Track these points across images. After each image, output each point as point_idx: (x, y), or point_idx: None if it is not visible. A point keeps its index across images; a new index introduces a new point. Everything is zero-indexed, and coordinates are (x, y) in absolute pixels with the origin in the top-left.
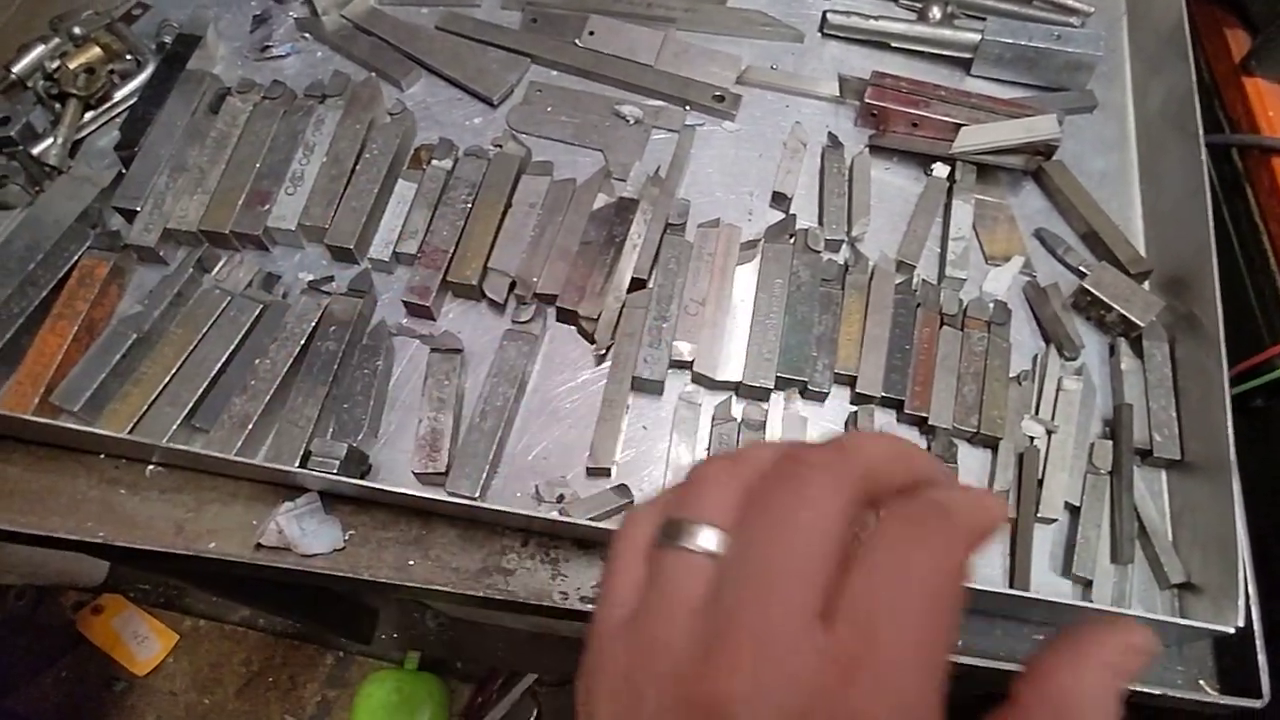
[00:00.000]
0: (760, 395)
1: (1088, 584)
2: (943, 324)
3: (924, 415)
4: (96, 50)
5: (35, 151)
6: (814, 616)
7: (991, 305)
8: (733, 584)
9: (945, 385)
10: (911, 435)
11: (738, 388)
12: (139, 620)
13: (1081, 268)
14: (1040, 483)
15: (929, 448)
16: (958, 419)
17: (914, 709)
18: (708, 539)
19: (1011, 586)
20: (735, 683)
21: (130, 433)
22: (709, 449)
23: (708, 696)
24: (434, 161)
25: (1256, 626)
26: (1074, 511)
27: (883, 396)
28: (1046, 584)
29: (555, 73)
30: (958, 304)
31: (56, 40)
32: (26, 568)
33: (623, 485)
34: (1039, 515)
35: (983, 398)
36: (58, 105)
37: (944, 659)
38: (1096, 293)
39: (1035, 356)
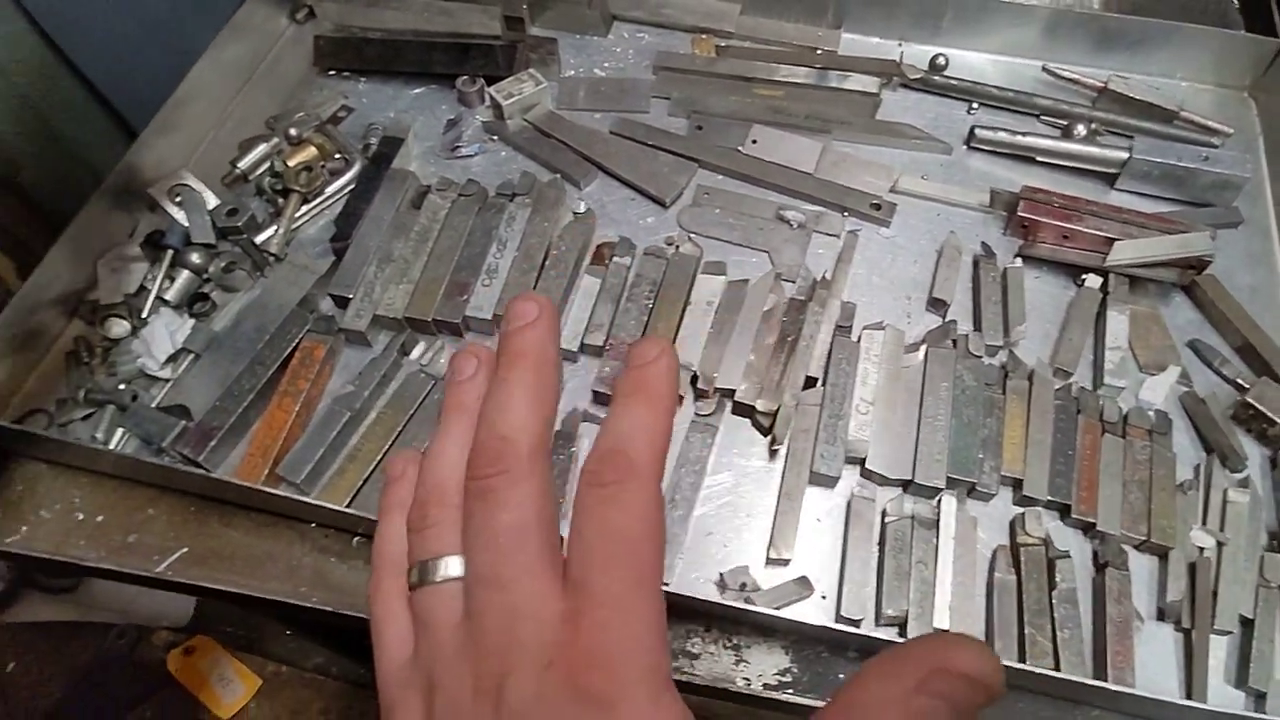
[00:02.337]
0: (928, 493)
1: (1261, 696)
2: (1104, 431)
3: (1091, 520)
4: (312, 150)
5: (258, 240)
6: (545, 595)
7: (1152, 414)
8: (478, 593)
9: (1111, 491)
10: (1078, 539)
11: (906, 485)
12: (226, 663)
13: (1239, 380)
14: (1214, 594)
15: (1094, 554)
16: (1125, 526)
17: (634, 637)
18: (450, 567)
19: (1188, 698)
20: (493, 665)
21: (349, 505)
22: (882, 543)
23: (489, 679)
24: (615, 258)
25: None
26: (1247, 623)
27: (1048, 500)
28: (1218, 693)
29: (721, 177)
30: (1118, 412)
31: (275, 139)
32: (119, 604)
33: (804, 578)
34: (1214, 627)
35: (1150, 506)
36: (280, 199)
37: (654, 577)
38: (1260, 407)
39: (1197, 466)
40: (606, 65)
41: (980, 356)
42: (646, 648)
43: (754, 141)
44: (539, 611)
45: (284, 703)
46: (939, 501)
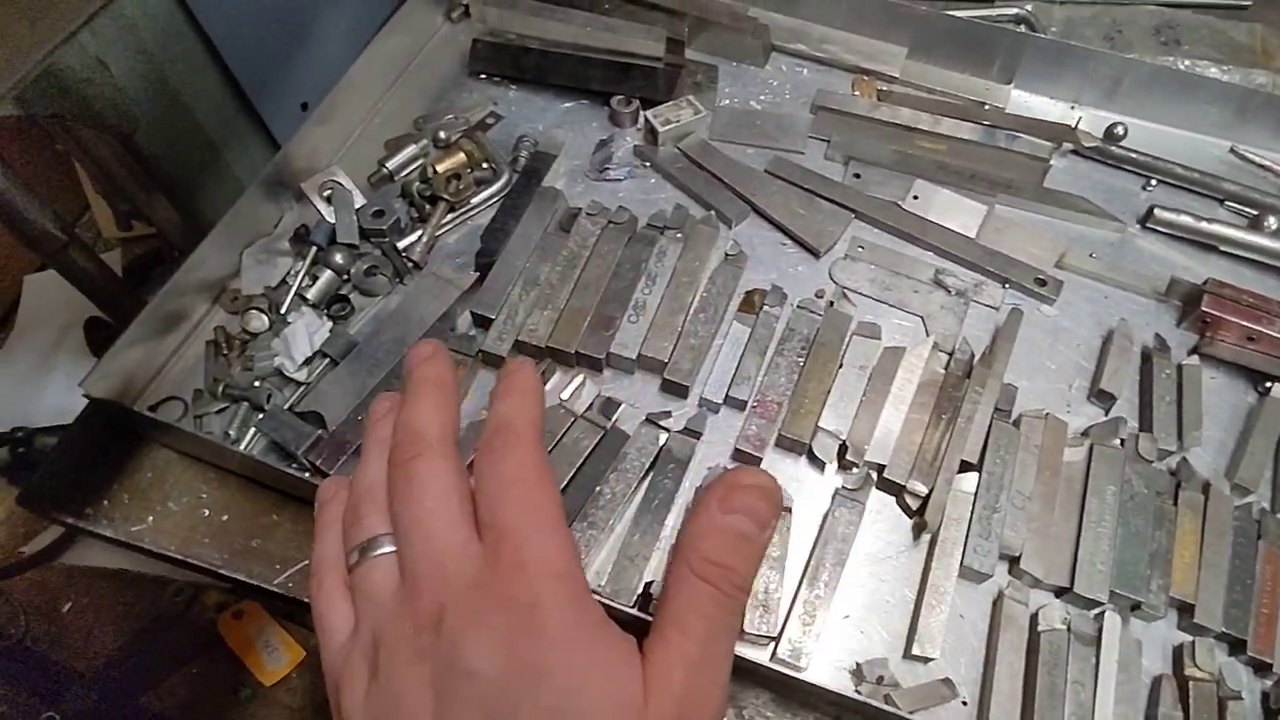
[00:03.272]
0: (1086, 605)
1: None
2: None
3: (1268, 661)
4: (461, 156)
5: (401, 245)
6: (467, 541)
7: None
8: (407, 553)
9: None
10: (1247, 676)
11: (1061, 591)
12: (272, 631)
13: None
14: None
15: (1264, 696)
16: None
17: (546, 554)
18: (384, 544)
19: None
20: (428, 604)
21: None
22: (1032, 652)
23: (427, 617)
24: (766, 308)
25: None
26: None
27: (1221, 631)
28: None
29: (877, 231)
30: None
31: (424, 141)
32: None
33: (948, 680)
34: None
35: None
36: (426, 205)
37: (554, 511)
38: None
39: None
40: (763, 98)
41: (1151, 461)
42: (559, 560)
43: (915, 197)
44: (464, 553)
45: (324, 677)
46: (1100, 617)
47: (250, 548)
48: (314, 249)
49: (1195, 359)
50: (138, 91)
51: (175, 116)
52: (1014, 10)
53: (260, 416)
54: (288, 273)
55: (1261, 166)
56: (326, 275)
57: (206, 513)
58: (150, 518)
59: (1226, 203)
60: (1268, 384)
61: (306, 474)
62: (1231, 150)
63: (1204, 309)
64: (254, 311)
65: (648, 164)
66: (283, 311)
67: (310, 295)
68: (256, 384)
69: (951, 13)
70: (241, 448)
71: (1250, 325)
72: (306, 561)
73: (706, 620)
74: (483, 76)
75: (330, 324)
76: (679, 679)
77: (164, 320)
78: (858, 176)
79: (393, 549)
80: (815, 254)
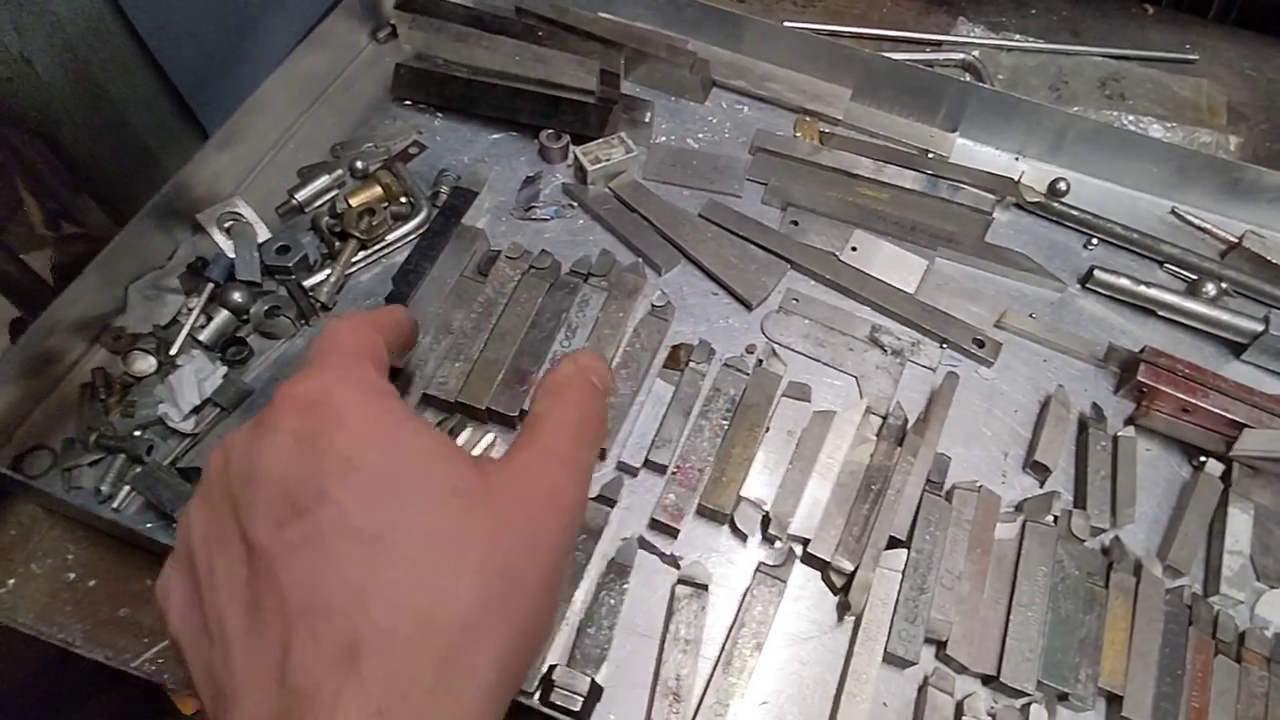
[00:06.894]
0: (1013, 694)
1: None
2: (1217, 651)
3: None
4: (377, 189)
5: (307, 284)
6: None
7: (1270, 635)
8: None
9: None
10: None
11: (988, 679)
12: None
13: None
14: None
15: None
16: None
17: (335, 342)
18: None
19: None
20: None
21: None
22: None
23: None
24: (692, 364)
25: None
26: None
27: None
28: None
29: (813, 283)
30: (1234, 629)
31: (339, 171)
32: None
33: None
34: None
35: None
36: (336, 242)
37: (365, 317)
38: None
39: None
40: (700, 136)
41: (1084, 540)
42: (348, 348)
43: (854, 248)
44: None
45: None
46: (1026, 708)
47: (117, 617)
48: (210, 286)
49: (1131, 430)
50: (63, 91)
51: (104, 117)
52: (960, 55)
53: (136, 472)
54: (179, 311)
55: (1200, 229)
56: (223, 315)
57: (72, 576)
58: (12, 580)
59: (1166, 265)
60: (1202, 458)
61: None
62: (1172, 211)
63: (1139, 378)
64: (139, 352)
65: (576, 204)
66: (172, 353)
67: (204, 336)
68: (137, 434)
69: (897, 56)
70: (115, 505)
71: (1185, 397)
72: None
73: (579, 410)
74: (407, 103)
75: (224, 369)
76: (541, 473)
77: (33, 360)
78: (795, 224)
79: None
80: (748, 306)
